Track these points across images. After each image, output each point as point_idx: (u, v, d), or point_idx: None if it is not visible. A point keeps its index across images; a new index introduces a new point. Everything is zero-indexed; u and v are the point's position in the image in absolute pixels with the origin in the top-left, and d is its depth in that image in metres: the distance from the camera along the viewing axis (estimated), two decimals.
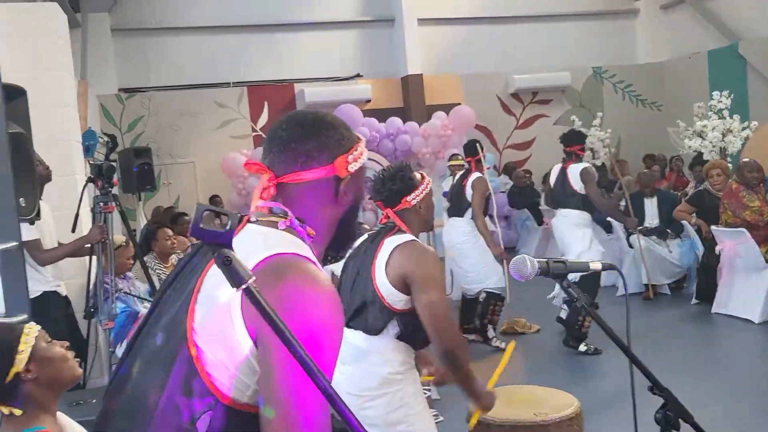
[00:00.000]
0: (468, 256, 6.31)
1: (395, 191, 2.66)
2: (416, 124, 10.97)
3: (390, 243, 2.58)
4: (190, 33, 11.54)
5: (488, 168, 6.83)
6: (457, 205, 6.49)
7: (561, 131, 6.86)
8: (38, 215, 3.53)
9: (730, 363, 5.43)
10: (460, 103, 11.75)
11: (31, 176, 3.21)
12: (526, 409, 2.66)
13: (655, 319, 6.70)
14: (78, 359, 2.03)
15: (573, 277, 5.41)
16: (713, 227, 6.64)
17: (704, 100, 10.02)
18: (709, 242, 6.87)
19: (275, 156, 1.39)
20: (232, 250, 1.09)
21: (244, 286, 1.07)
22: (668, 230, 7.57)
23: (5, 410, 1.86)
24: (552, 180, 6.38)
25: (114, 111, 10.92)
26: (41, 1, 5.36)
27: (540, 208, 10.38)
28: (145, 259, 4.91)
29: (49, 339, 1.97)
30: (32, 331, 1.93)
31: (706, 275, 6.92)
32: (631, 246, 7.69)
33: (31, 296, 3.07)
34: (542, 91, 12.92)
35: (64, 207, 4.62)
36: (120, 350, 4.55)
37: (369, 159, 1.54)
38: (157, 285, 4.89)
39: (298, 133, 1.39)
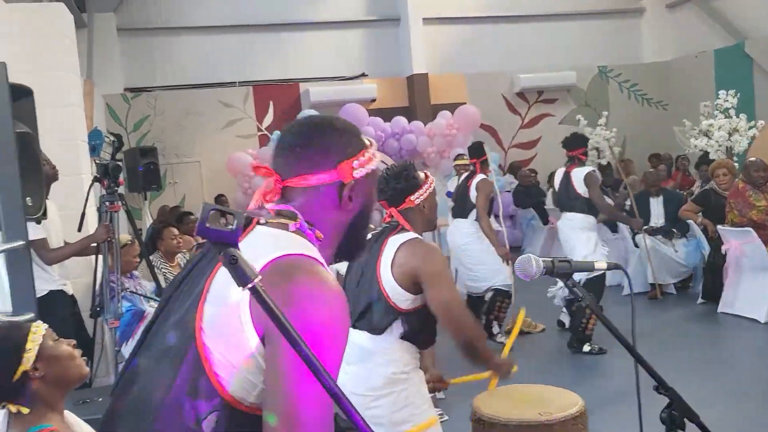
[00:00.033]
0: (473, 256, 6.32)
1: (399, 190, 2.67)
2: (421, 124, 10.96)
3: (394, 242, 2.59)
4: (196, 33, 11.56)
5: (492, 171, 6.83)
6: (461, 206, 6.49)
7: (566, 130, 6.86)
8: (45, 214, 3.53)
9: (736, 363, 5.42)
10: (465, 103, 11.74)
11: (38, 176, 3.22)
12: (530, 408, 2.65)
13: (660, 318, 6.69)
14: (85, 358, 2.05)
15: (580, 279, 5.41)
16: (719, 227, 6.62)
17: (710, 99, 10.00)
18: (716, 242, 6.85)
19: (281, 159, 1.41)
20: (239, 250, 1.09)
21: (250, 286, 1.08)
22: (674, 230, 7.56)
23: (13, 408, 1.87)
24: (556, 184, 6.39)
25: (120, 110, 10.95)
26: (47, 2, 5.37)
27: (545, 207, 10.36)
28: (151, 258, 4.92)
29: (56, 337, 1.98)
30: (39, 329, 1.94)
31: (712, 275, 6.90)
32: (636, 245, 7.68)
33: (38, 295, 3.08)
34: (547, 90, 12.90)
35: (71, 206, 4.64)
36: (125, 349, 4.57)
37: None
38: (163, 284, 4.91)
39: (304, 137, 1.41)
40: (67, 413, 2.03)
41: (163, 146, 10.77)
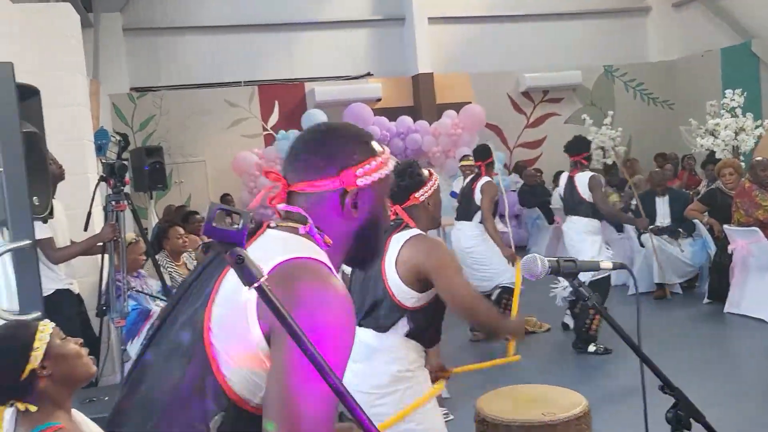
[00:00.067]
0: (479, 258, 6.33)
1: (404, 187, 2.67)
2: (426, 123, 10.96)
3: (398, 239, 2.59)
4: (201, 32, 11.59)
5: (497, 174, 6.83)
6: (465, 208, 6.50)
7: (572, 130, 6.86)
8: (51, 214, 3.55)
9: (742, 363, 5.41)
10: (470, 102, 11.73)
11: (45, 175, 3.23)
12: (533, 408, 2.65)
13: (666, 318, 6.67)
14: (92, 357, 2.06)
15: (585, 280, 5.41)
16: (726, 226, 6.60)
17: (717, 98, 9.96)
18: (722, 241, 6.83)
19: (290, 165, 1.42)
20: (245, 249, 1.10)
21: (256, 285, 1.08)
22: (680, 229, 7.54)
23: (21, 406, 1.88)
24: (561, 188, 6.39)
25: (126, 110, 10.98)
26: (54, 2, 5.40)
27: (550, 206, 10.35)
28: (156, 257, 4.93)
29: (64, 336, 2.00)
30: (47, 328, 1.95)
31: (718, 274, 6.88)
32: (642, 245, 7.66)
33: (44, 294, 3.09)
34: (553, 89, 12.88)
35: (77, 205, 4.65)
36: (130, 347, 4.58)
37: None
38: (169, 283, 4.92)
39: (311, 144, 1.42)
40: (75, 412, 2.04)
41: (169, 146, 10.80)
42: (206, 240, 5.74)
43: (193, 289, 1.38)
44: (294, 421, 1.15)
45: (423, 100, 11.88)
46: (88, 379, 2.05)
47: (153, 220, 8.91)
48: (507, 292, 6.19)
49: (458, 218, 6.62)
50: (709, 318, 6.62)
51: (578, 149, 6.13)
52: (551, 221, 10.27)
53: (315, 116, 10.41)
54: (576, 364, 5.67)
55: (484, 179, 6.31)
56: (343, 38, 12.18)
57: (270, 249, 1.30)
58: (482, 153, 6.53)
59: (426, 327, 2.59)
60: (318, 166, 1.38)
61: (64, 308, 4.22)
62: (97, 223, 4.80)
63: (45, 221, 3.76)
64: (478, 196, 6.29)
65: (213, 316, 1.27)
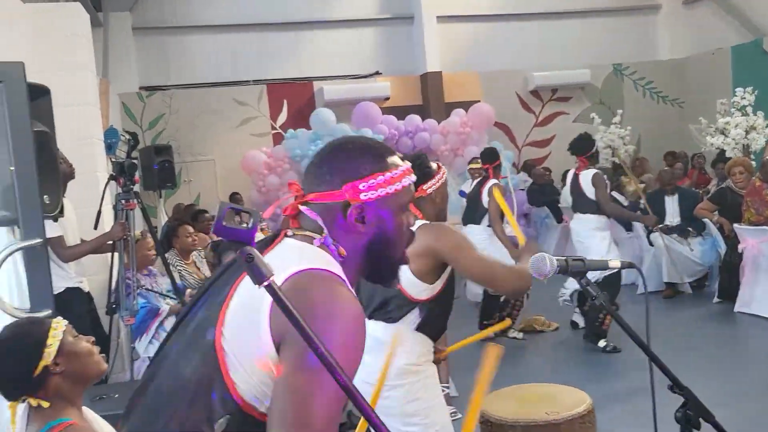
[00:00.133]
0: None
1: None
2: (435, 122, 10.95)
3: None
4: (210, 31, 11.61)
5: (505, 177, 6.83)
6: (473, 211, 6.52)
7: (581, 129, 6.84)
8: (61, 212, 3.57)
9: (752, 362, 5.38)
10: (479, 101, 11.71)
11: (55, 174, 3.25)
12: (537, 407, 2.66)
13: (675, 317, 6.65)
14: (103, 354, 2.08)
15: (596, 277, 5.40)
16: (736, 225, 6.57)
17: (727, 96, 9.90)
18: (732, 240, 6.80)
19: (305, 176, 1.44)
20: (255, 248, 1.10)
21: (265, 284, 1.09)
22: (689, 228, 7.51)
23: (33, 402, 1.91)
24: (567, 185, 6.40)
25: (135, 109, 11.02)
26: (64, 1, 5.42)
27: (559, 205, 10.32)
28: (166, 255, 4.96)
29: (76, 334, 2.02)
30: (60, 325, 1.98)
31: (728, 273, 6.85)
32: (651, 244, 7.63)
33: (55, 292, 3.11)
34: (562, 88, 12.83)
35: (87, 204, 4.67)
36: (138, 344, 4.61)
37: None
38: (179, 281, 4.94)
39: (323, 156, 1.43)
40: (85, 409, 2.06)
41: (178, 144, 10.83)
42: (215, 239, 5.76)
43: (211, 292, 1.40)
44: (305, 422, 1.15)
45: (431, 98, 11.87)
46: (99, 376, 2.07)
47: (162, 219, 8.95)
48: None
49: (466, 222, 6.63)
50: (719, 317, 6.59)
51: (582, 148, 6.12)
52: (560, 220, 10.25)
53: (323, 115, 10.42)
54: (584, 363, 5.66)
55: (492, 181, 6.31)
56: (351, 37, 12.18)
57: (287, 258, 1.31)
58: (489, 156, 6.53)
59: (437, 317, 2.61)
60: (324, 178, 1.39)
61: (74, 306, 4.25)
62: (107, 222, 4.83)
63: (55, 220, 3.78)
64: (485, 199, 6.30)
65: (226, 320, 1.28)
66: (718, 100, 9.95)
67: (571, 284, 6.31)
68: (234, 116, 11.39)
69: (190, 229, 5.66)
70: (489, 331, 3.31)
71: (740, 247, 6.49)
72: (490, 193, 6.25)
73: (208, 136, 11.25)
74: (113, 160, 4.82)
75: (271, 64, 11.79)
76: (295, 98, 11.65)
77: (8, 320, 2.35)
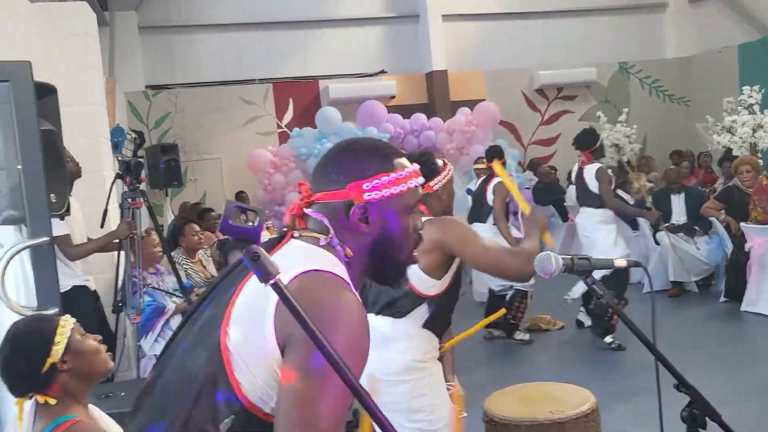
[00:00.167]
0: None
1: None
2: (441, 120, 10.95)
3: None
4: (216, 30, 11.63)
5: (511, 175, 6.83)
6: (478, 209, 6.52)
7: (586, 127, 6.81)
8: (68, 211, 3.58)
9: (758, 361, 5.36)
10: (484, 99, 11.70)
11: (62, 172, 3.26)
12: (542, 407, 2.66)
13: (682, 316, 6.63)
14: (109, 353, 2.09)
15: (604, 272, 5.39)
16: (743, 224, 6.55)
17: (734, 94, 9.85)
18: (739, 239, 6.78)
19: (313, 175, 1.44)
20: (261, 246, 1.11)
21: (272, 281, 1.09)
22: (696, 227, 7.48)
23: (40, 399, 1.92)
24: (573, 180, 6.40)
25: (141, 108, 11.05)
26: (71, 1, 5.44)
27: (565, 204, 10.30)
28: (172, 254, 4.97)
29: (83, 332, 2.03)
30: (68, 323, 1.99)
31: (735, 272, 6.82)
32: (657, 243, 7.61)
33: (61, 290, 3.12)
34: (567, 86, 12.80)
35: (93, 203, 4.69)
36: (144, 342, 4.63)
37: None
38: (185, 280, 4.95)
39: (329, 156, 1.43)
40: (91, 407, 2.07)
41: (184, 143, 10.85)
42: (222, 237, 5.78)
43: (218, 291, 1.40)
44: (312, 422, 1.16)
45: (437, 97, 11.86)
46: (105, 374, 2.08)
47: (168, 218, 8.96)
48: (518, 294, 6.19)
49: (471, 220, 6.63)
50: (726, 316, 6.57)
51: (586, 143, 6.11)
52: (565, 219, 10.22)
53: (329, 114, 10.43)
54: (590, 362, 5.65)
55: (496, 180, 6.31)
56: (357, 36, 12.18)
57: (292, 259, 1.31)
58: (494, 153, 6.52)
59: (444, 311, 2.61)
60: (330, 178, 1.39)
61: (80, 304, 4.26)
62: (114, 221, 4.84)
63: (62, 218, 3.79)
64: (490, 197, 6.31)
65: (231, 320, 1.28)
66: (725, 99, 9.90)
67: (579, 288, 6.30)
68: (240, 115, 11.40)
69: (197, 227, 5.68)
70: (484, 323, 3.33)
71: (747, 246, 6.47)
72: (494, 191, 6.25)
73: (214, 134, 11.27)
74: (119, 158, 4.82)
75: (276, 63, 11.80)
76: (300, 97, 11.66)
77: (15, 318, 2.36)
